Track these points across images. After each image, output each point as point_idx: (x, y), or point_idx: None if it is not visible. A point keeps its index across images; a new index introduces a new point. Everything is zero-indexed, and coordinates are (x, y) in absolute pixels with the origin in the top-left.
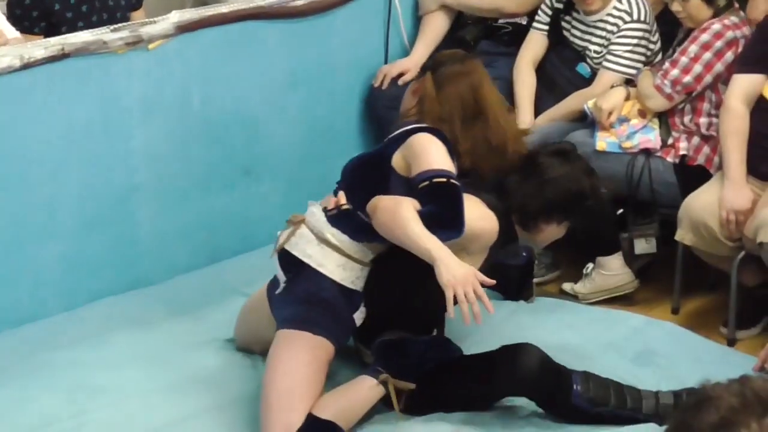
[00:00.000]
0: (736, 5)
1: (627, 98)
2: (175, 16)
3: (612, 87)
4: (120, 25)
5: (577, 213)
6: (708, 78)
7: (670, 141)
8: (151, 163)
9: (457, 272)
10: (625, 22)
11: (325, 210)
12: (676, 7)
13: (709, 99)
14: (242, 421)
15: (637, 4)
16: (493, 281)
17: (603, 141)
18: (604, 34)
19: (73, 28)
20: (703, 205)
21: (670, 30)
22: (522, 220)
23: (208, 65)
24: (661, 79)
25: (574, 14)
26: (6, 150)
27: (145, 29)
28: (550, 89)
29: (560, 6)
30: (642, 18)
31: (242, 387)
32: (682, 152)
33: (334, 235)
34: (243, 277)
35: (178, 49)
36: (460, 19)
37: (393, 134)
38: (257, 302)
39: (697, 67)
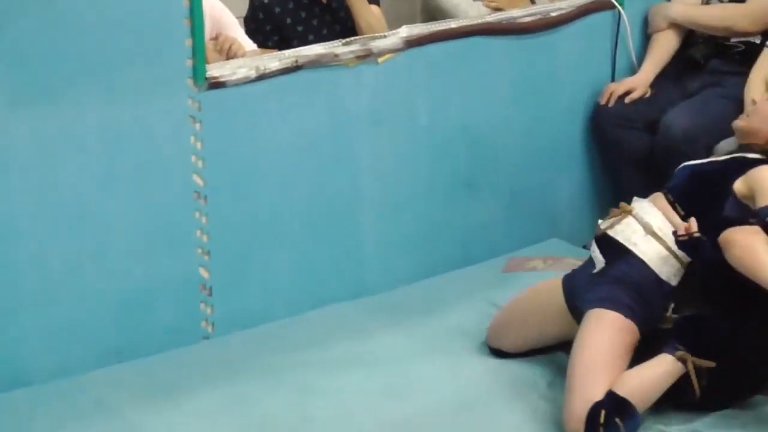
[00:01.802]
0: None
1: None
2: (405, 31)
3: None
4: (351, 38)
5: None
6: None
7: None
8: (377, 173)
9: None
10: None
11: (675, 234)
12: None
13: None
14: (460, 425)
15: None
16: None
17: None
18: None
19: (303, 42)
20: None
21: None
22: None
23: (435, 79)
24: None
25: None
26: (240, 157)
27: (375, 43)
28: None
29: None
30: None
31: (460, 394)
32: None
33: (661, 228)
34: (463, 290)
35: (407, 63)
36: (690, 38)
37: (736, 155)
38: (538, 296)
39: None
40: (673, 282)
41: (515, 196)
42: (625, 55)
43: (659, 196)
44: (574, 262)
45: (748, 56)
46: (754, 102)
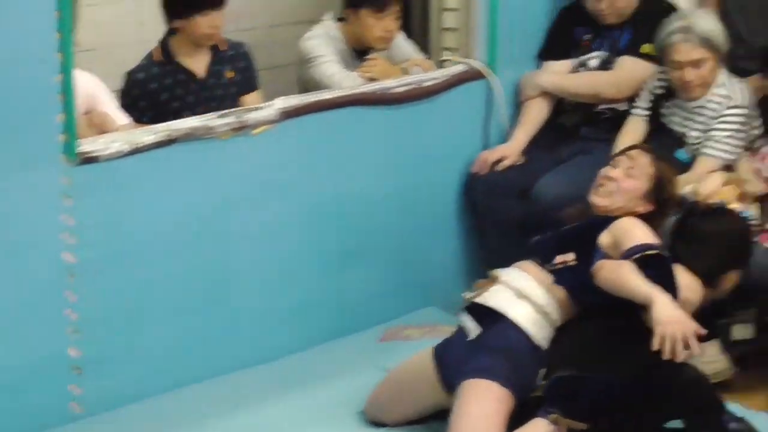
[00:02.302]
0: None
1: (726, 183)
2: (280, 103)
3: (711, 172)
4: (225, 111)
5: (746, 255)
6: None
7: None
8: (252, 246)
9: (675, 313)
10: (726, 108)
11: (551, 264)
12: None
13: None
14: None
15: (739, 89)
16: (705, 331)
17: None
18: (704, 119)
19: (179, 118)
20: None
21: None
22: (707, 281)
23: (311, 150)
24: (760, 162)
25: (674, 100)
26: (113, 232)
27: (249, 115)
28: None
29: (661, 92)
30: (742, 103)
31: None
32: None
33: (531, 288)
34: (341, 360)
35: (282, 135)
36: (559, 105)
37: (590, 220)
38: (409, 371)
39: None
40: (544, 345)
41: (390, 265)
42: (498, 123)
43: (526, 262)
44: (450, 330)
45: (615, 123)
46: (609, 178)
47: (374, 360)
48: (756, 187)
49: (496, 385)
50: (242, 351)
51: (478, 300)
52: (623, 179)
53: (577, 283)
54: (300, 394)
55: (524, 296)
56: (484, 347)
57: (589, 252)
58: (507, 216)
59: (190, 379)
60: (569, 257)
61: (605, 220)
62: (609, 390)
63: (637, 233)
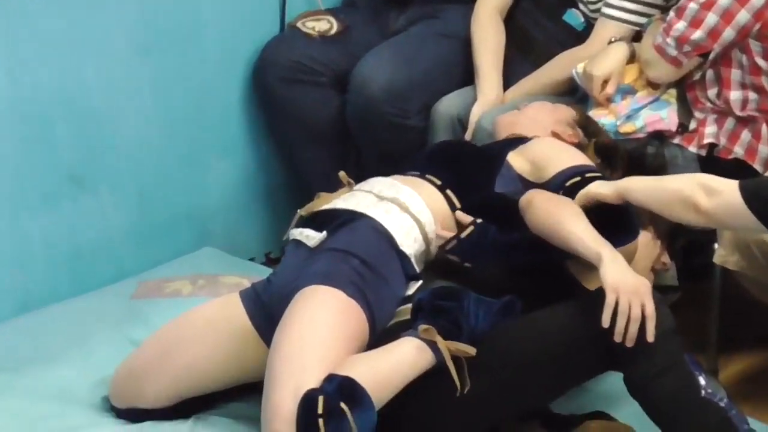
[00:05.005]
0: None
1: (633, 60)
2: None
3: (610, 43)
4: None
5: None
6: (728, 32)
7: (692, 125)
8: None
9: (627, 278)
10: None
11: (444, 246)
12: None
13: (740, 63)
14: None
15: None
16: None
17: (597, 122)
18: None
19: None
20: None
21: None
22: None
23: (14, 26)
24: (663, 36)
25: None
26: None
27: None
28: (525, 49)
29: None
30: None
31: None
32: (708, 140)
33: (410, 196)
34: (72, 330)
35: None
36: None
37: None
38: (204, 320)
39: (711, 17)
40: (417, 265)
41: (147, 194)
42: None
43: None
44: (238, 281)
45: None
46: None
47: (118, 328)
48: (660, 72)
49: (341, 293)
50: None
51: (326, 207)
52: (534, 106)
53: (493, 250)
54: (6, 384)
55: (393, 200)
56: (325, 250)
57: (491, 175)
58: (317, 113)
59: None
60: (466, 220)
61: (516, 140)
62: (508, 306)
63: (566, 155)
